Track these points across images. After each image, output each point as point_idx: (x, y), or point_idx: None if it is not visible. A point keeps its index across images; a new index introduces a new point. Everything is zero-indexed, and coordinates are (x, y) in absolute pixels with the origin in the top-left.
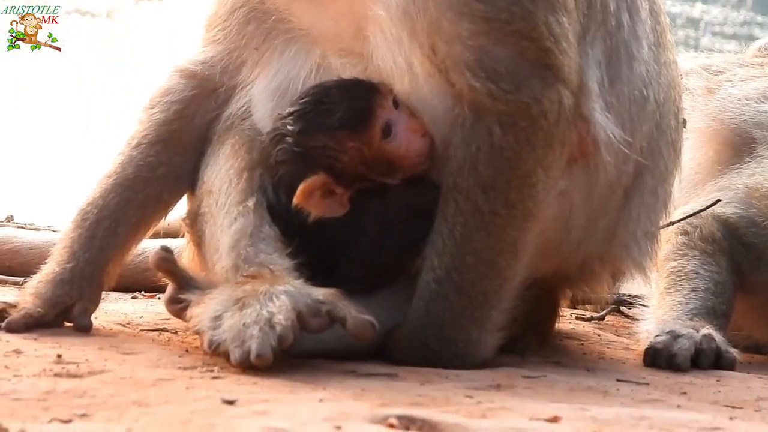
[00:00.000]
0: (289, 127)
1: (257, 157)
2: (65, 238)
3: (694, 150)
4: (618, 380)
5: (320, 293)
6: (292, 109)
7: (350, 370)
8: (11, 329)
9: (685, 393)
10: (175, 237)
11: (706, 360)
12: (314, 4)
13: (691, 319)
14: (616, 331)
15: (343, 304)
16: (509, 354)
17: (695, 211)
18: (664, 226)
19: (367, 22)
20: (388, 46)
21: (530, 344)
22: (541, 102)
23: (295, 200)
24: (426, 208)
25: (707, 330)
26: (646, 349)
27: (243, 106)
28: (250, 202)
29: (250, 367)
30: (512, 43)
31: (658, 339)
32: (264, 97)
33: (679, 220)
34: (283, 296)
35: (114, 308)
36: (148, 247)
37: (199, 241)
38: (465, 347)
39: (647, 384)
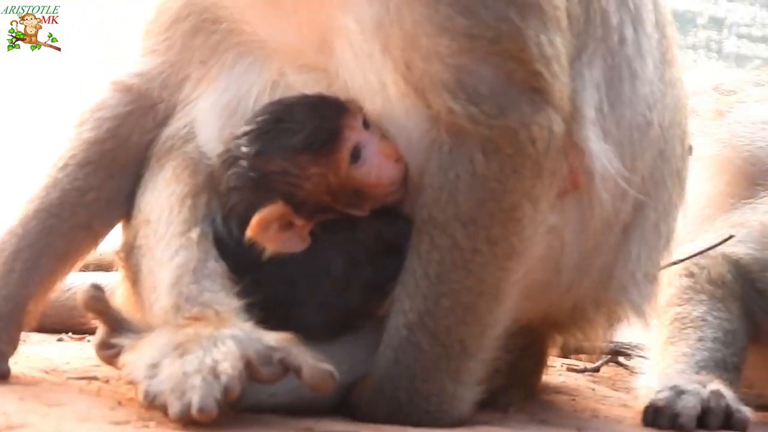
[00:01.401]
0: (243, 149)
1: (202, 183)
2: None
3: (702, 181)
4: None
5: (273, 338)
6: (247, 128)
7: (306, 427)
8: None
9: None
10: (107, 271)
11: (714, 420)
12: (273, 12)
13: (697, 373)
14: (612, 384)
15: (298, 351)
16: (489, 410)
17: (703, 249)
18: (667, 266)
19: (334, 34)
20: (357, 61)
21: (513, 399)
22: (529, 127)
23: (248, 233)
24: (398, 243)
25: (716, 385)
26: (646, 407)
27: (186, 126)
28: (194, 234)
29: (191, 422)
30: (498, 64)
31: (660, 395)
32: (210, 116)
33: (684, 259)
34: (229, 341)
35: (37, 352)
36: (76, 282)
37: (135, 277)
38: (438, 402)
39: None
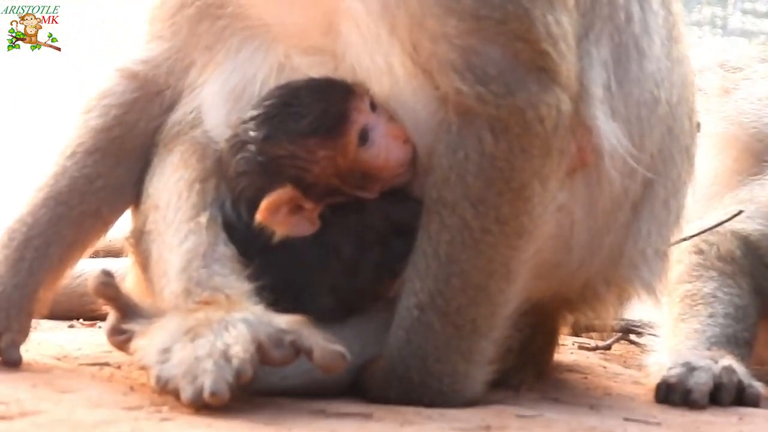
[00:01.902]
0: (251, 133)
1: (211, 167)
2: None
3: (709, 158)
4: (626, 419)
5: (283, 321)
6: (255, 113)
7: (319, 409)
8: None
9: None
10: (117, 257)
11: (726, 395)
12: (287, 4)
13: (708, 349)
14: (624, 362)
15: (309, 333)
16: (501, 389)
17: (712, 225)
18: (676, 243)
19: (341, 15)
20: (364, 43)
21: (525, 378)
22: (537, 106)
23: (257, 217)
24: (407, 224)
25: (727, 361)
26: (658, 384)
27: (192, 111)
28: (203, 218)
29: (203, 406)
30: (505, 44)
31: (672, 372)
32: (217, 102)
33: (693, 236)
34: (240, 325)
35: (48, 339)
36: (86, 269)
37: (144, 263)
38: (451, 382)
39: (659, 424)
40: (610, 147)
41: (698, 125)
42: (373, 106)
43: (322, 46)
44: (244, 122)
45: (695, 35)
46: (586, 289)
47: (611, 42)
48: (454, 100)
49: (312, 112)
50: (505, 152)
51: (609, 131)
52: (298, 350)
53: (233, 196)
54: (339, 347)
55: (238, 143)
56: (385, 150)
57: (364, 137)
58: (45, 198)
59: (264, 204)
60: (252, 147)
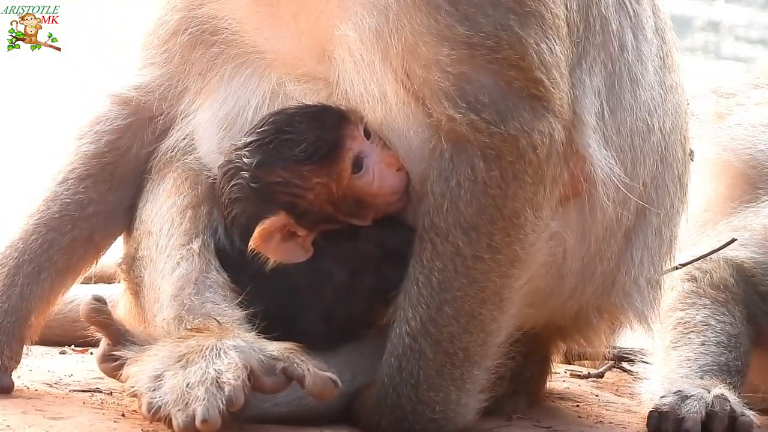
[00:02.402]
0: (245, 160)
1: (203, 193)
2: None
3: (702, 184)
4: None
5: (275, 348)
6: (249, 139)
7: None
8: None
9: None
10: (109, 283)
11: (719, 424)
12: (272, 21)
13: (701, 378)
14: (616, 390)
15: (301, 361)
16: (493, 417)
17: (706, 253)
18: (670, 270)
19: (334, 43)
20: (357, 71)
21: (517, 406)
22: (530, 134)
23: (251, 244)
24: (400, 252)
25: (720, 389)
26: (651, 412)
27: (185, 138)
28: (195, 245)
29: None
30: (498, 72)
31: (664, 400)
32: (210, 128)
33: (687, 263)
34: (232, 352)
35: (39, 365)
36: (78, 295)
37: (137, 289)
38: (443, 410)
39: None
40: (603, 175)
41: (692, 153)
42: (368, 134)
43: (315, 73)
44: (238, 149)
45: (688, 61)
46: (578, 318)
47: (604, 70)
48: (447, 127)
49: (307, 138)
50: (497, 180)
51: (602, 159)
52: (290, 377)
53: (226, 222)
54: (330, 374)
55: (231, 170)
56: (378, 177)
57: (358, 164)
58: (36, 224)
59: (257, 231)
60: (246, 173)
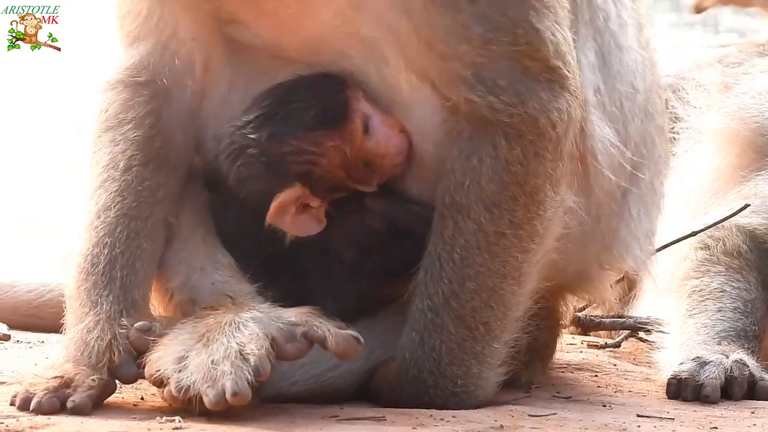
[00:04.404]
0: (251, 137)
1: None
2: (78, 294)
3: (712, 154)
4: (638, 416)
5: (292, 314)
6: (251, 117)
7: (332, 414)
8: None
9: (715, 428)
10: None
11: (738, 389)
12: (286, 22)
13: (719, 343)
14: (634, 359)
15: (320, 323)
16: (512, 389)
17: (719, 220)
18: (683, 238)
19: (351, 41)
20: (374, 64)
21: (534, 375)
22: (549, 113)
23: (268, 219)
24: (407, 228)
25: (738, 354)
26: (670, 380)
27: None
28: (202, 229)
29: (227, 407)
30: (515, 61)
31: (683, 367)
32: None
33: (699, 231)
34: (251, 323)
35: (53, 353)
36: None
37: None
38: (464, 384)
39: (672, 419)
40: (603, 147)
41: (666, 102)
42: (366, 98)
43: (316, 63)
44: (240, 128)
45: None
46: (581, 275)
47: (595, 44)
48: (466, 109)
49: (315, 104)
50: (519, 157)
51: (602, 133)
52: (311, 340)
53: (236, 204)
54: (352, 331)
55: (235, 150)
56: (385, 138)
57: (366, 126)
58: (117, 216)
59: (274, 205)
60: (253, 150)
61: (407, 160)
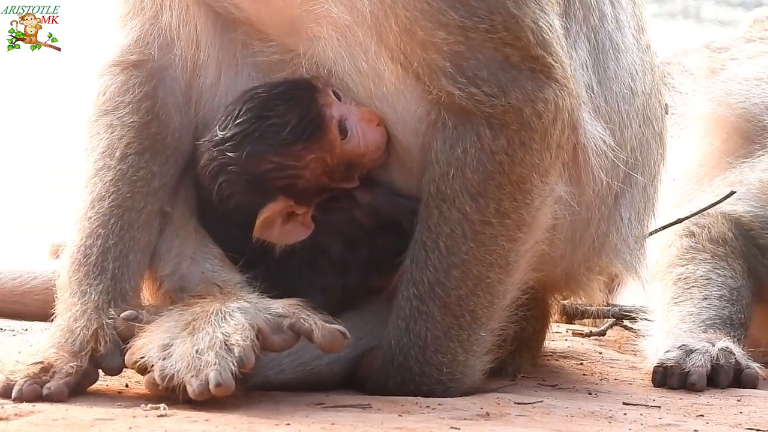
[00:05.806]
0: (230, 154)
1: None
2: (69, 284)
3: (698, 140)
4: (624, 404)
5: (280, 305)
6: (228, 133)
7: (317, 402)
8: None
9: (702, 416)
10: None
11: (724, 377)
12: (266, 9)
13: (704, 331)
14: (619, 347)
15: (307, 315)
16: (498, 377)
17: (704, 207)
18: (668, 226)
19: (313, 19)
20: (346, 49)
21: (521, 365)
22: (534, 103)
23: (255, 234)
24: (393, 220)
25: (724, 342)
26: (655, 367)
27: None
28: (192, 222)
29: (210, 398)
30: (495, 50)
31: (669, 355)
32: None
33: (684, 218)
34: (237, 314)
35: (39, 340)
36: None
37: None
38: (450, 372)
39: (658, 407)
40: (596, 146)
41: (666, 107)
42: (337, 96)
43: (286, 45)
44: (217, 144)
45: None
46: (568, 278)
47: (588, 43)
48: (447, 101)
49: (290, 120)
50: (504, 147)
51: (594, 131)
52: (298, 333)
53: (221, 216)
54: (338, 326)
55: (215, 167)
56: (363, 136)
57: (343, 129)
58: (111, 207)
59: (259, 222)
60: (234, 168)
61: (387, 150)
